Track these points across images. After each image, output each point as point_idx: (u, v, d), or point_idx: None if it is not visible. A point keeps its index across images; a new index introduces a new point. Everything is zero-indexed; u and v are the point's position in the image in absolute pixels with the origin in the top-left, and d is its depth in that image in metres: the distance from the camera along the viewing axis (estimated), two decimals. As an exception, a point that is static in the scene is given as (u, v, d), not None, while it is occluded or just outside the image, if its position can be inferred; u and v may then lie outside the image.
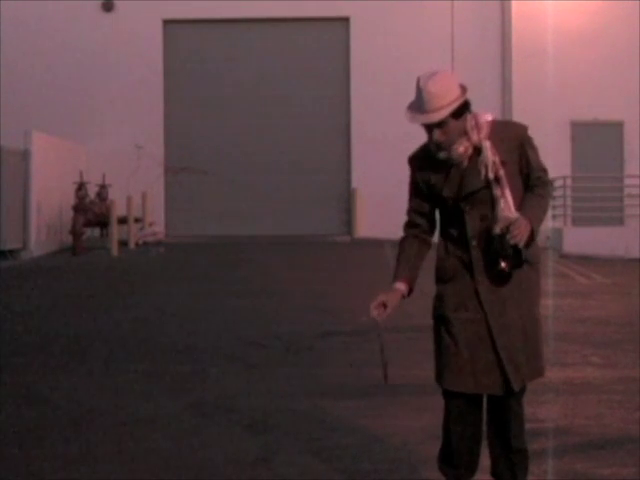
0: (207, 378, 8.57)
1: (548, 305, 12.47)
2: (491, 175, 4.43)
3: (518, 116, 25.28)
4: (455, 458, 4.68)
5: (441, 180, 4.52)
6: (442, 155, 4.46)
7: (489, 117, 4.53)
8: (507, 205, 4.42)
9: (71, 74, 25.74)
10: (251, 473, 5.75)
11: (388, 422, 6.82)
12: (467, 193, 4.48)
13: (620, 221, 24.73)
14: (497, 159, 4.44)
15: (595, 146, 25.59)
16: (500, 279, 4.46)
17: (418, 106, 4.41)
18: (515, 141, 4.53)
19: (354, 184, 25.73)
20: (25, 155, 21.65)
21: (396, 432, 6.55)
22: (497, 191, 4.43)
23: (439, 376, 4.59)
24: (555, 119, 24.78)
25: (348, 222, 25.89)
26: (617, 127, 25.74)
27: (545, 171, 4.62)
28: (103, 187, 24.42)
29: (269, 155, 26.00)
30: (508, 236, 4.32)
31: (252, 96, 26.10)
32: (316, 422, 6.87)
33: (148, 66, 25.91)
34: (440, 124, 4.39)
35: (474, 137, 4.45)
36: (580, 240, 22.60)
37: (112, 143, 25.50)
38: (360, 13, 25.94)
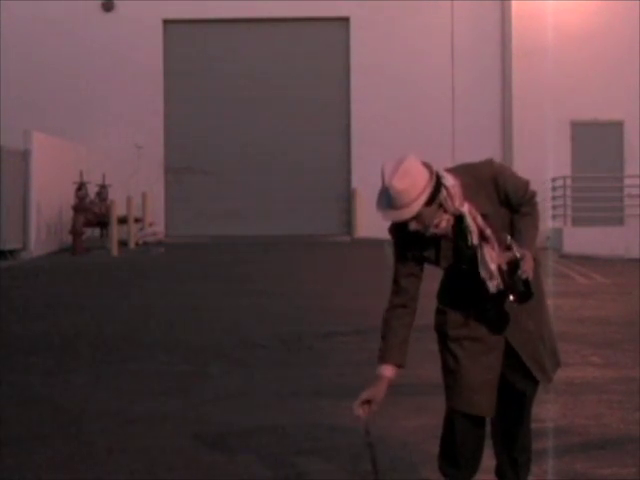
0: (207, 378, 8.57)
1: (548, 305, 12.47)
2: (475, 242, 4.30)
3: (518, 116, 25.30)
4: (458, 459, 4.67)
5: (432, 253, 4.41)
6: (427, 234, 4.33)
7: (452, 180, 4.29)
8: (491, 260, 4.31)
9: (71, 74, 25.74)
10: (251, 473, 5.75)
11: (388, 422, 6.82)
12: (464, 259, 4.39)
13: (620, 221, 24.72)
14: (479, 219, 4.31)
15: (595, 146, 25.58)
16: (502, 320, 4.44)
17: (387, 202, 4.23)
18: (488, 183, 4.37)
19: (354, 184, 25.71)
20: (25, 155, 21.65)
21: (396, 432, 6.54)
22: (485, 250, 4.30)
23: (445, 392, 4.60)
24: (555, 119, 24.76)
25: (348, 222, 25.88)
26: (617, 127, 25.72)
27: (526, 187, 4.44)
28: (103, 187, 24.42)
29: (269, 155, 26.00)
30: (519, 272, 4.21)
31: (252, 96, 26.10)
32: (316, 422, 6.87)
33: (148, 66, 25.91)
34: (414, 216, 4.23)
35: (450, 208, 4.28)
36: (580, 240, 22.61)
37: (112, 143, 25.50)
38: (360, 13, 25.93)
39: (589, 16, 25.56)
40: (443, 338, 4.54)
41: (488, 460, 4.77)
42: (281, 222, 25.75)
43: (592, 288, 15.75)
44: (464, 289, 4.45)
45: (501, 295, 4.33)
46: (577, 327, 11.33)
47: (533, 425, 6.38)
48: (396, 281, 4.50)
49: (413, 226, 4.26)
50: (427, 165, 4.25)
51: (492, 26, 25.80)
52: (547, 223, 23.67)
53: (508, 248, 4.28)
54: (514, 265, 4.23)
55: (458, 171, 4.36)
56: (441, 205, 4.25)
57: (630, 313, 12.43)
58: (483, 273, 4.29)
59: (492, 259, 4.29)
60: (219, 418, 7.08)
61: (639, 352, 9.54)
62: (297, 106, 26.17)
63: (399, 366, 4.53)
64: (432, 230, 4.29)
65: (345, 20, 26.22)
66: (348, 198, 25.89)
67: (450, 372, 4.51)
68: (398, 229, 4.41)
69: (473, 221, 4.29)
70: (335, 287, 15.60)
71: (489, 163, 4.44)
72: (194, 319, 12.25)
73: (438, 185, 4.21)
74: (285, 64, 26.25)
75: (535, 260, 4.43)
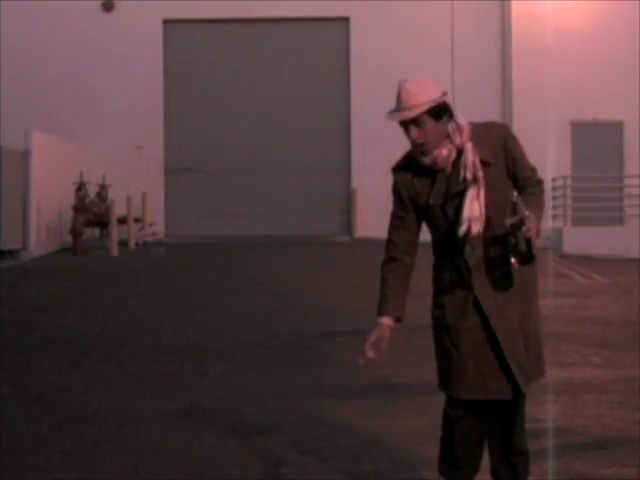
0: (207, 378, 8.57)
1: (548, 305, 12.47)
2: (469, 176, 4.37)
3: (518, 116, 25.31)
4: (458, 460, 4.67)
5: (427, 188, 4.46)
6: (427, 161, 4.41)
7: (464, 121, 4.49)
8: (474, 206, 4.38)
9: (71, 74, 25.75)
10: (251, 473, 5.75)
11: (388, 422, 6.83)
12: (453, 194, 4.43)
13: (620, 221, 24.73)
14: (477, 160, 4.40)
15: (595, 146, 25.59)
16: (504, 280, 4.44)
17: (396, 106, 4.47)
18: (498, 141, 4.47)
19: (354, 184, 25.73)
20: (25, 155, 21.66)
21: (396, 432, 6.55)
22: (473, 192, 4.38)
23: (446, 385, 4.57)
24: (555, 119, 24.77)
25: (348, 222, 25.89)
26: (617, 127, 25.73)
27: (534, 170, 4.56)
28: (103, 187, 24.43)
29: (269, 155, 26.01)
30: (524, 229, 4.25)
31: (252, 96, 26.11)
32: (316, 422, 6.87)
33: (148, 66, 25.92)
34: (417, 122, 4.37)
35: (457, 140, 4.40)
36: (580, 240, 22.61)
37: (112, 143, 25.50)
38: (360, 13, 25.94)
39: (589, 16, 25.57)
40: (444, 332, 4.53)
41: (488, 461, 4.77)
42: (281, 222, 25.76)
43: (592, 288, 15.75)
44: (454, 266, 4.47)
45: (504, 259, 4.35)
46: (577, 327, 11.33)
47: (534, 425, 6.38)
48: (388, 236, 4.60)
49: (414, 134, 4.38)
50: (444, 92, 4.44)
51: (492, 26, 25.81)
52: (547, 223, 23.67)
53: (514, 206, 4.31)
54: (518, 223, 4.25)
55: (473, 122, 4.50)
56: (448, 136, 4.39)
57: (630, 313, 12.43)
58: (463, 215, 4.37)
59: (471, 205, 4.37)
60: (219, 418, 7.08)
61: (639, 352, 9.54)
62: (297, 106, 26.18)
63: (397, 319, 4.56)
64: (433, 156, 4.38)
65: (345, 20, 26.23)
66: (348, 198, 25.90)
67: (458, 364, 4.48)
68: (401, 167, 4.55)
69: (472, 159, 4.38)
70: (335, 287, 15.61)
71: (506, 126, 4.59)
72: (194, 319, 12.25)
73: (448, 107, 4.40)
74: (285, 64, 26.26)
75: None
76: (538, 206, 4.48)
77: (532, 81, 25.27)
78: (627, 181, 25.31)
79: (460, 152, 4.40)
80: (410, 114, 4.38)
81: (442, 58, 25.54)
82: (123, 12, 26.10)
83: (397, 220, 4.57)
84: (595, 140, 25.62)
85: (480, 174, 4.38)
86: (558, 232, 23.32)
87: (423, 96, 4.37)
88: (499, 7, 25.90)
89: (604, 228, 23.16)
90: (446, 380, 4.56)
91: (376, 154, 25.05)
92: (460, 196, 4.40)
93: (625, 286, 15.96)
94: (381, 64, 25.66)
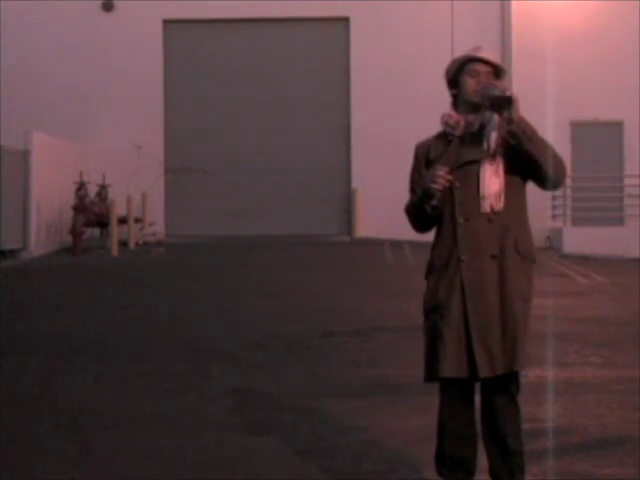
0: (207, 378, 8.57)
1: (548, 305, 12.48)
2: (492, 145, 4.54)
3: (518, 116, 25.31)
4: (450, 459, 4.68)
5: (440, 154, 4.69)
6: (457, 132, 4.65)
7: None
8: (494, 181, 4.53)
9: (71, 74, 25.73)
10: (251, 473, 5.75)
11: (388, 422, 6.83)
12: (463, 162, 4.59)
13: (620, 221, 24.72)
14: (499, 135, 4.59)
15: (595, 146, 25.57)
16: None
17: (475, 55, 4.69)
18: None
19: (354, 184, 25.71)
20: (25, 155, 21.65)
21: (396, 432, 6.55)
22: (492, 167, 4.54)
23: (431, 368, 4.59)
24: (555, 119, 24.73)
25: (348, 222, 25.87)
26: (617, 127, 25.71)
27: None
28: (103, 187, 24.43)
29: (269, 155, 26.00)
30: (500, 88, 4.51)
31: (252, 96, 26.10)
32: (316, 422, 6.87)
33: (148, 66, 25.91)
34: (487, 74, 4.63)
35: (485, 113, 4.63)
36: (580, 240, 22.61)
37: (112, 143, 25.49)
38: (360, 13, 25.93)
39: (589, 16, 25.55)
40: (435, 311, 4.59)
41: (487, 462, 4.77)
42: (281, 222, 25.74)
43: (592, 288, 15.74)
44: (449, 240, 4.58)
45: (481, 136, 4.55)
46: (577, 327, 11.33)
47: (534, 425, 6.39)
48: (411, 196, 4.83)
49: (482, 81, 4.57)
50: None
51: (492, 26, 25.78)
52: (547, 223, 23.69)
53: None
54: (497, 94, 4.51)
55: None
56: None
57: (630, 313, 12.43)
58: (481, 189, 4.55)
59: (491, 180, 4.54)
60: (218, 418, 7.08)
61: (639, 352, 9.54)
62: (297, 106, 26.17)
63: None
64: (461, 118, 4.64)
65: (345, 20, 26.22)
66: (348, 198, 25.89)
67: (443, 340, 4.53)
68: (422, 142, 4.86)
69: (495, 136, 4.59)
70: (335, 287, 15.60)
71: None
72: (194, 319, 12.25)
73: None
74: (285, 64, 26.24)
75: (531, 251, 4.64)
76: (541, 140, 4.56)
77: (532, 81, 25.25)
78: (627, 181, 25.29)
79: (483, 126, 4.60)
80: (498, 60, 4.70)
81: (442, 58, 25.45)
82: (123, 12, 26.08)
83: (412, 193, 4.82)
84: (595, 140, 25.60)
85: (499, 150, 4.55)
86: (558, 232, 23.32)
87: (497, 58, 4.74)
88: (499, 7, 25.88)
89: (604, 228, 23.14)
90: (432, 362, 4.57)
91: (376, 154, 25.06)
92: (472, 165, 4.57)
93: (625, 286, 15.95)
94: (381, 64, 25.66)
